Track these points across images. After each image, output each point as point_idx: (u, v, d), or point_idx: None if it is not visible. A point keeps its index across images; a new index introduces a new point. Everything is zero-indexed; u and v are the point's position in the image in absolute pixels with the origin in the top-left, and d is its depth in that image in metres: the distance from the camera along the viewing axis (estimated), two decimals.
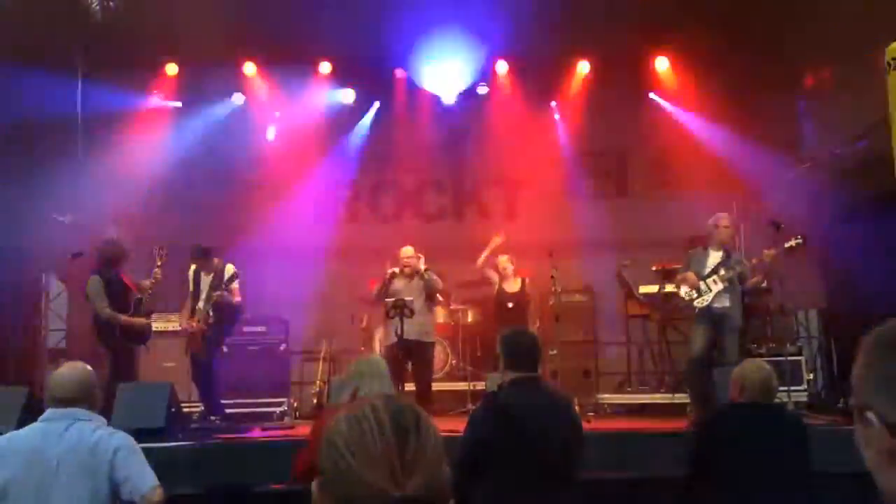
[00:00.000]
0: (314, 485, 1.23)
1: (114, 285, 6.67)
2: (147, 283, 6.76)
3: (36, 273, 8.16)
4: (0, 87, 7.14)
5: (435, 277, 7.35)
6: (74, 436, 3.05)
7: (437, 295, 7.61)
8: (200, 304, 6.96)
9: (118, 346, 6.63)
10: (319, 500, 1.22)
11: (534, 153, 9.73)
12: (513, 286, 8.03)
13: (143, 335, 6.81)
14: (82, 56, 8.27)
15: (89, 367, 3.30)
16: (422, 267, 7.34)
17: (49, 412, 3.12)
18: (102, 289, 6.60)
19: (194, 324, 6.90)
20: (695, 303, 6.63)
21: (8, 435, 3.11)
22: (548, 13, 8.16)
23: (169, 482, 3.19)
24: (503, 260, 8.06)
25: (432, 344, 7.47)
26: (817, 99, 8.70)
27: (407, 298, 7.07)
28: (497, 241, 8.05)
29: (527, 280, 8.10)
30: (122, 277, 6.77)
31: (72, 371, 3.22)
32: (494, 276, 8.10)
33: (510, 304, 7.97)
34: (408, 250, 7.44)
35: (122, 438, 3.15)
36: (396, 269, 7.31)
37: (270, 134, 9.94)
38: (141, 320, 6.67)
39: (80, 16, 7.58)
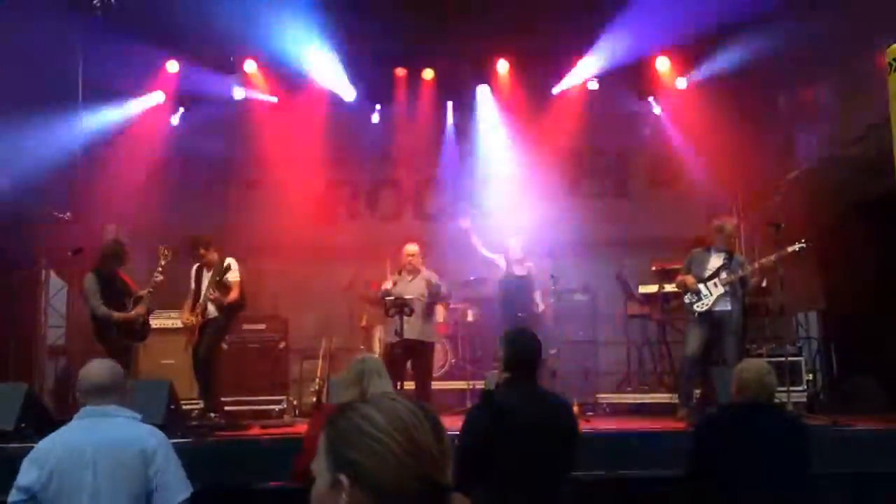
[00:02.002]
0: (342, 478, 1.21)
1: (110, 283, 6.66)
2: (148, 289, 6.75)
3: (36, 269, 8.15)
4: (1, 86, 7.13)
5: (443, 290, 7.35)
6: (109, 432, 3.05)
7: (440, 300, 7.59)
8: (202, 299, 6.96)
9: (115, 343, 6.62)
10: (350, 495, 1.20)
11: (534, 151, 9.73)
12: (520, 270, 7.93)
13: (140, 332, 6.80)
14: (83, 52, 8.26)
15: (114, 362, 3.29)
16: (423, 270, 7.29)
17: (84, 409, 3.11)
18: (97, 286, 6.59)
19: (193, 319, 6.89)
20: (695, 306, 6.62)
21: (50, 436, 3.10)
22: (549, 12, 8.17)
23: None
24: (512, 241, 7.94)
25: (432, 344, 7.45)
26: (818, 100, 8.70)
27: (407, 297, 7.05)
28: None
29: (532, 266, 7.99)
30: (119, 275, 6.77)
31: (101, 367, 3.20)
32: (500, 260, 8.02)
33: (515, 288, 7.85)
34: (411, 248, 7.40)
35: (161, 439, 3.12)
36: (397, 275, 7.25)
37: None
38: (136, 314, 6.65)
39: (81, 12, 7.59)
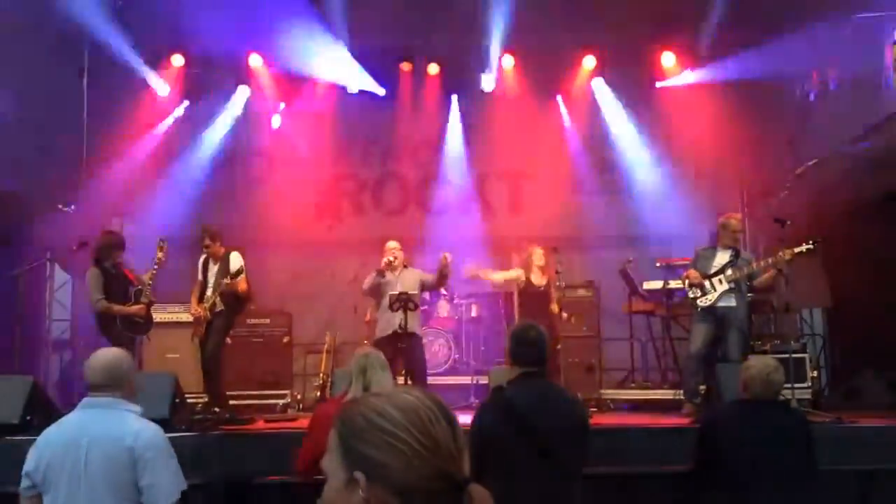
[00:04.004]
0: (357, 475, 1.17)
1: (112, 276, 6.66)
2: (145, 277, 6.75)
3: (40, 263, 8.17)
4: (5, 80, 7.13)
5: (429, 279, 7.36)
6: (105, 424, 3.03)
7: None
8: (209, 292, 6.96)
9: (119, 336, 6.63)
10: (367, 492, 1.16)
11: (539, 147, 9.72)
12: (539, 280, 7.84)
13: (143, 325, 6.80)
14: (88, 47, 8.27)
15: (122, 353, 3.23)
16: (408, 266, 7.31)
17: (85, 400, 3.11)
18: (100, 281, 6.59)
19: (201, 311, 6.89)
20: (698, 301, 6.63)
21: (54, 425, 3.12)
22: (554, 7, 8.15)
23: None
24: (538, 253, 7.79)
25: (420, 336, 7.40)
26: (823, 96, 8.66)
27: (411, 292, 7.03)
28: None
29: (552, 277, 7.90)
30: (121, 268, 6.77)
31: (104, 357, 3.15)
32: (519, 271, 7.87)
33: (534, 297, 7.68)
34: (394, 244, 7.40)
35: (153, 437, 3.06)
36: (385, 262, 7.24)
37: (276, 122, 9.90)
38: (137, 307, 6.65)
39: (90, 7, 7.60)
